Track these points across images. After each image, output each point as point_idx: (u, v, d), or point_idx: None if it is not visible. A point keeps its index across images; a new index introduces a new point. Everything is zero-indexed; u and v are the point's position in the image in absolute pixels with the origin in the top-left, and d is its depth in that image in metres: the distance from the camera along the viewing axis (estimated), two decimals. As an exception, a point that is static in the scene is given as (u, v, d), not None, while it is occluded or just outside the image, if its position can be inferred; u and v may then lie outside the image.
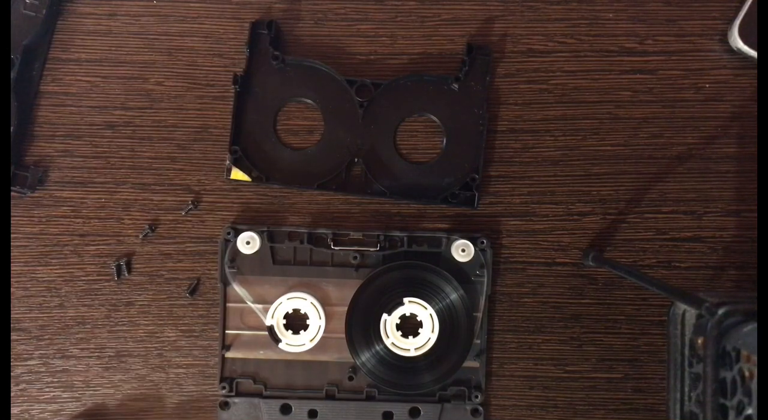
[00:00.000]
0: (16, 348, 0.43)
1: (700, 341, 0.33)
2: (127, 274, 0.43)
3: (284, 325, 0.41)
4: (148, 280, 0.43)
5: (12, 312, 0.43)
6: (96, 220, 0.43)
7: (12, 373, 0.43)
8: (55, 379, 0.43)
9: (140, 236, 0.43)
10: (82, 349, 0.43)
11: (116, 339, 0.43)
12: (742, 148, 0.44)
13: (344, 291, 0.41)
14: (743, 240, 0.43)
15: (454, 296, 0.41)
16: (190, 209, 0.43)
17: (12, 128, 0.42)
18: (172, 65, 0.44)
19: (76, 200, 0.43)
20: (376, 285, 0.41)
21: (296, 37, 0.44)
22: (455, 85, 0.43)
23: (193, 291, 0.43)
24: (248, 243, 0.41)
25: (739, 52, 0.43)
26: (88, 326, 0.43)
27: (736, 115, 0.44)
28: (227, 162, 0.42)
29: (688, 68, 0.44)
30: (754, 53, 0.42)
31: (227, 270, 0.41)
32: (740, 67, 0.44)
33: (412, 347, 0.41)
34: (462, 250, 0.41)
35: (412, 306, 0.41)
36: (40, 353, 0.43)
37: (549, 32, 0.44)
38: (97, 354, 0.43)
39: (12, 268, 0.43)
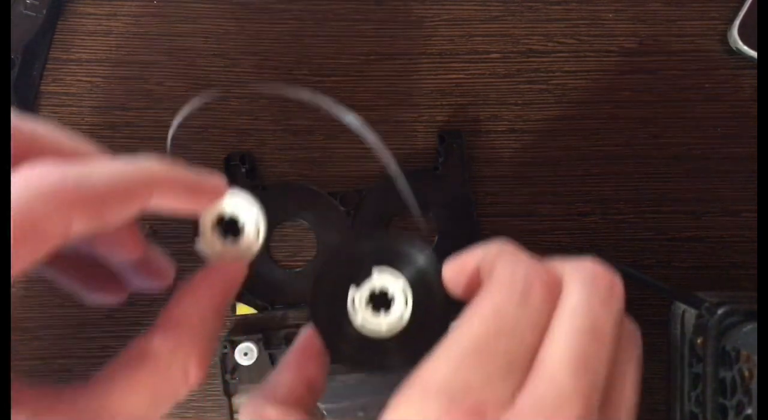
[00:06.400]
0: (16, 348, 0.43)
1: (700, 341, 0.33)
2: (127, 274, 0.43)
3: None
4: (148, 280, 0.43)
5: (12, 312, 0.43)
6: (96, 220, 0.43)
7: (12, 373, 0.43)
8: (56, 379, 0.43)
9: (140, 236, 0.43)
10: (83, 349, 0.43)
11: (116, 339, 0.43)
12: (742, 148, 0.44)
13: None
14: (743, 240, 0.43)
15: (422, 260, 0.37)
16: (190, 209, 0.43)
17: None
18: (172, 65, 0.44)
19: (76, 200, 0.43)
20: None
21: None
22: (434, 174, 0.43)
23: (193, 291, 0.43)
24: (246, 354, 0.41)
25: (739, 52, 0.43)
26: (89, 326, 0.43)
27: (736, 115, 0.44)
28: None
29: (688, 68, 0.44)
30: (754, 53, 0.42)
31: (230, 382, 0.41)
32: (740, 67, 0.44)
33: (384, 323, 0.36)
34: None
35: (383, 278, 0.36)
36: (40, 353, 0.43)
37: (549, 32, 0.44)
38: (97, 354, 0.43)
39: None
